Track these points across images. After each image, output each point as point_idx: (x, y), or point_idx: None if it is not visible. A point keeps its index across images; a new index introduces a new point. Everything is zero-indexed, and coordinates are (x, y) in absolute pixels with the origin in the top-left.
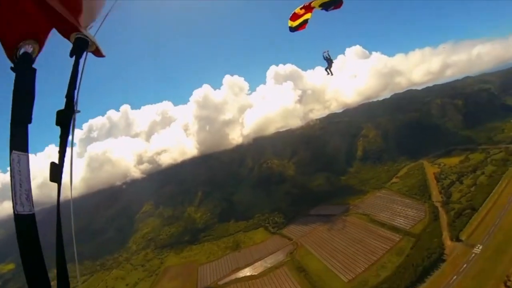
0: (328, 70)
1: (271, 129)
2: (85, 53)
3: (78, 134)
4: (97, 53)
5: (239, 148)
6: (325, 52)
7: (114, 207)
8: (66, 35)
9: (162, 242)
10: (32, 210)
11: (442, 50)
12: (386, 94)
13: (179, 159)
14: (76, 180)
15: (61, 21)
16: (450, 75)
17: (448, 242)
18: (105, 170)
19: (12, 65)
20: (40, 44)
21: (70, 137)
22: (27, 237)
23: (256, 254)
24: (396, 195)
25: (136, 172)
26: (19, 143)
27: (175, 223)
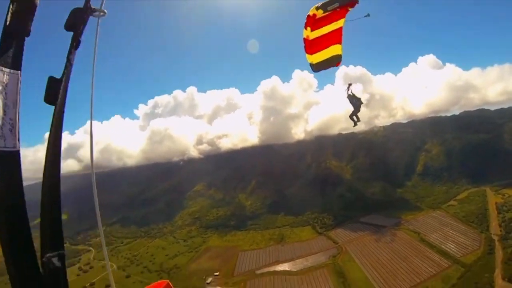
0: (353, 117)
1: (335, 130)
2: None
3: (142, 109)
4: None
5: (300, 143)
6: (347, 88)
7: (168, 181)
8: None
9: (208, 223)
10: (17, 147)
11: None
12: (456, 110)
13: (239, 145)
14: (135, 150)
15: None
16: None
17: (499, 281)
18: (165, 145)
19: None
20: None
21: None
22: (8, 179)
23: (298, 251)
24: (452, 218)
25: (194, 152)
26: (10, 57)
27: (224, 207)
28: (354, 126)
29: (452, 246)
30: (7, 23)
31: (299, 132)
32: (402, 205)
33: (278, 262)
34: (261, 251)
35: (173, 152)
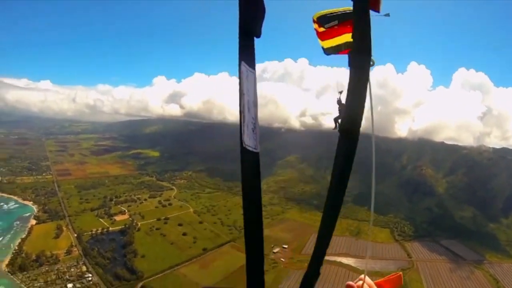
0: (337, 121)
1: (440, 136)
2: None
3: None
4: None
5: (400, 141)
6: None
7: (263, 145)
8: None
9: (292, 195)
10: (258, 148)
11: None
12: None
13: None
14: (238, 108)
15: None
16: None
17: None
18: (268, 110)
19: None
20: None
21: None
22: (250, 177)
23: (369, 251)
24: None
25: (295, 123)
26: (248, 56)
27: (311, 184)
28: (335, 129)
29: None
30: (243, 22)
31: (402, 129)
32: (490, 242)
33: (346, 255)
34: (334, 238)
35: (275, 118)
